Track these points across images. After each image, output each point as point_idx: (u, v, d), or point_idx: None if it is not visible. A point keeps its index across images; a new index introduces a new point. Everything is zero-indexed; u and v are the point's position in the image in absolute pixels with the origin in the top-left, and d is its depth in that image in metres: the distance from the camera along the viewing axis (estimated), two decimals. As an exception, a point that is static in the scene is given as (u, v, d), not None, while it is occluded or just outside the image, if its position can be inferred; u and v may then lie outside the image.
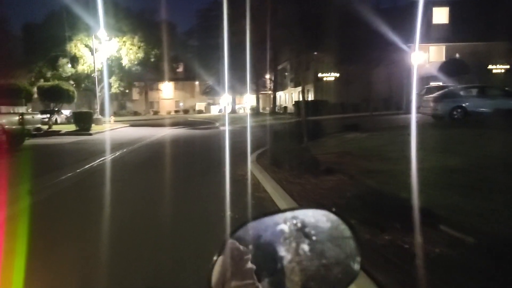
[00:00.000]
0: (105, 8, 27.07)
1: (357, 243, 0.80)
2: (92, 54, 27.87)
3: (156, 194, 6.15)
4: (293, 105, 39.02)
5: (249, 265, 0.76)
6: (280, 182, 5.74)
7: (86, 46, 29.45)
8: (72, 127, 23.51)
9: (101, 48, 28.00)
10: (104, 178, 7.82)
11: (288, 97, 46.54)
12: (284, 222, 0.80)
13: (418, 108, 26.58)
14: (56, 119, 32.51)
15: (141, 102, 59.53)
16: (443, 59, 31.81)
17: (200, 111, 59.19)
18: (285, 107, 41.41)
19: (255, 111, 45.65)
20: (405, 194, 4.20)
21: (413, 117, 21.92)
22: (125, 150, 13.36)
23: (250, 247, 0.78)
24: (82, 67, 29.54)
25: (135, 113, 57.18)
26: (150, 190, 6.50)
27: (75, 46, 29.20)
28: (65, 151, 14.10)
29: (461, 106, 16.76)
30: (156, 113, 58.81)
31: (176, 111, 60.51)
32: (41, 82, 26.41)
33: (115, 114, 56.99)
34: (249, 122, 25.82)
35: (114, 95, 52.63)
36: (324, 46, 30.06)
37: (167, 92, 60.92)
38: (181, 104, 62.68)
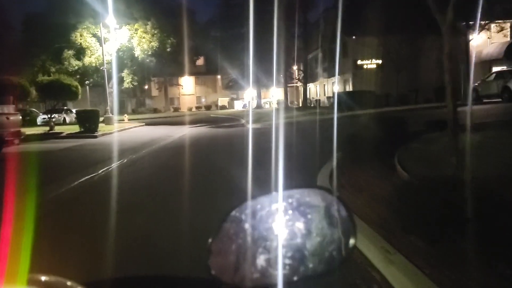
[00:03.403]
0: (114, -9, 23.51)
1: (351, 222, 0.80)
2: (101, 44, 24.35)
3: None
4: (329, 98, 34.81)
5: (246, 243, 0.77)
6: None
7: (93, 35, 25.87)
8: (78, 128, 20.25)
9: (110, 38, 24.45)
10: (54, 229, 4.02)
11: (320, 89, 42.18)
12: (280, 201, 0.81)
13: (479, 98, 22.15)
14: (64, 119, 29.50)
15: (160, 98, 56.14)
16: (508, 39, 26.84)
17: (223, 107, 55.46)
18: (318, 100, 37.06)
19: (283, 106, 41.67)
20: None
21: (469, 107, 17.59)
22: (125, 160, 9.89)
23: (246, 225, 0.78)
24: (89, 59, 25.97)
25: (155, 110, 53.86)
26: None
27: (80, 35, 25.64)
28: (45, 164, 10.42)
29: None
30: (176, 109, 55.41)
31: (198, 107, 57.05)
32: (41, 77, 22.92)
33: (134, 111, 54.17)
34: (282, 119, 21.83)
35: (132, 91, 49.63)
36: (366, 29, 25.78)
37: (187, 87, 57.51)
38: (203, 99, 59.24)
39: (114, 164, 9.30)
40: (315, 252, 0.78)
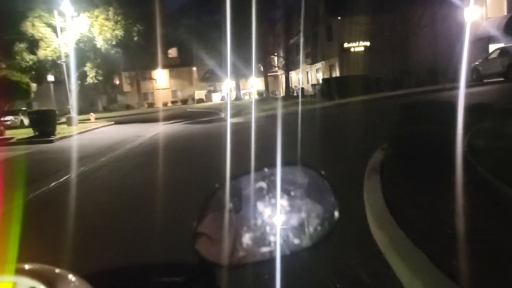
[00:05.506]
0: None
1: (334, 197, 0.81)
2: (57, 35, 21.32)
3: None
4: (314, 85, 32.55)
5: (230, 223, 0.78)
6: None
7: (48, 25, 22.73)
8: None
9: (67, 27, 21.44)
10: None
11: (303, 77, 39.86)
12: (262, 179, 0.80)
13: (481, 77, 20.27)
14: (22, 121, 26.42)
15: (133, 94, 52.69)
16: (505, 13, 24.92)
17: (200, 100, 52.51)
18: (302, 89, 34.72)
19: (264, 96, 39.32)
20: None
21: (462, 89, 15.68)
22: (72, 176, 7.57)
23: (230, 205, 0.79)
24: (44, 52, 22.84)
25: (128, 107, 50.54)
26: None
27: (32, 25, 22.47)
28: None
29: None
30: (151, 105, 52.21)
31: (174, 102, 53.95)
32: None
33: (105, 109, 50.78)
34: (265, 111, 19.42)
35: (103, 88, 46.27)
36: (353, 7, 23.56)
37: (161, 81, 54.33)
38: (178, 93, 56.17)
39: (55, 184, 6.93)
40: (300, 228, 0.78)
